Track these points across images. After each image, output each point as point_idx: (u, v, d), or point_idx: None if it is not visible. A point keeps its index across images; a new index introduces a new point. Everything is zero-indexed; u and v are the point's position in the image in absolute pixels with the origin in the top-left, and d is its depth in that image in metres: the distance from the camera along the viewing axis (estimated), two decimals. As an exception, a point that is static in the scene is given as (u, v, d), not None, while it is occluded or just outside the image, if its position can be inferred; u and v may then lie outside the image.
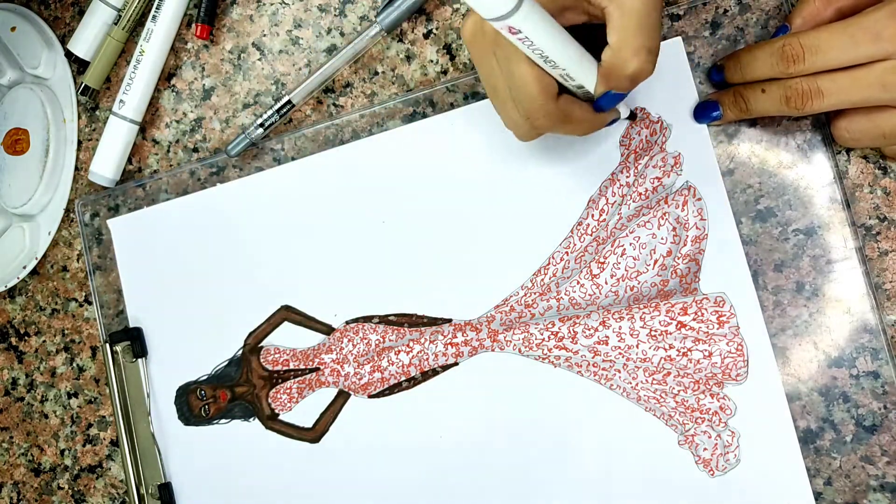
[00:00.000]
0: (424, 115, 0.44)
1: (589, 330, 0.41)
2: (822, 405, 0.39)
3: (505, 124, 0.37)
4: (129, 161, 0.49)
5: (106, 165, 0.47)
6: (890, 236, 0.39)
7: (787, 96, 0.35)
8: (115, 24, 0.47)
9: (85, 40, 0.48)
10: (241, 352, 0.46)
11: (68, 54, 0.49)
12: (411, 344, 0.44)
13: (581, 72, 0.32)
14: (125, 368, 0.47)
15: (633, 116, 0.41)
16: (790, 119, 0.39)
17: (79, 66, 0.49)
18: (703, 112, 0.40)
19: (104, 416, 0.49)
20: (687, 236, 0.40)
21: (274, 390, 0.45)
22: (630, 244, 0.41)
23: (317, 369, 0.45)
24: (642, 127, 0.41)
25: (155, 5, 0.46)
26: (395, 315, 0.44)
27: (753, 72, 0.37)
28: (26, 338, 0.51)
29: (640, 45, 0.32)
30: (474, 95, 0.43)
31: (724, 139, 0.40)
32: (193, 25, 0.47)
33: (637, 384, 0.41)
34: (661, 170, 0.41)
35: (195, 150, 0.48)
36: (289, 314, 0.45)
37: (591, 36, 0.33)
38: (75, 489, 0.50)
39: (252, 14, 0.47)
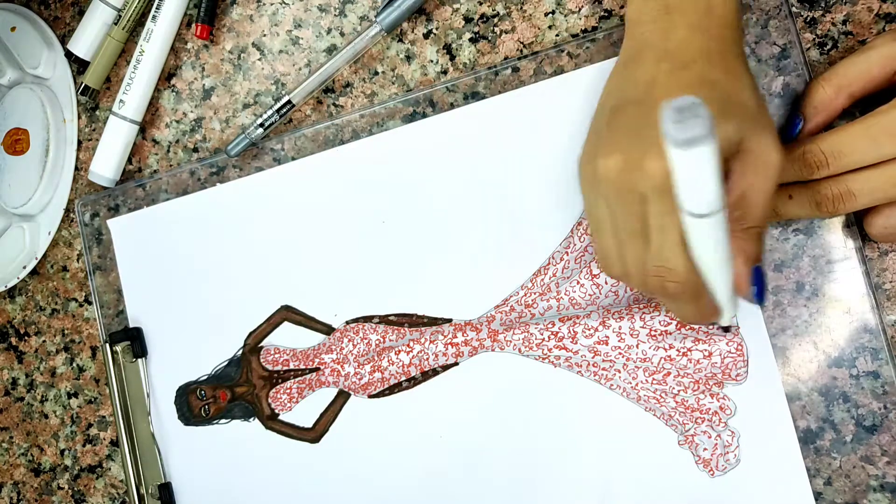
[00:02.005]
0: (424, 115, 0.44)
1: (589, 330, 0.41)
2: (822, 405, 0.39)
3: (606, 262, 0.35)
4: (129, 161, 0.49)
5: (106, 165, 0.47)
6: (890, 236, 0.39)
7: (817, 202, 0.35)
8: (115, 24, 0.47)
9: (85, 40, 0.48)
10: (241, 352, 0.46)
11: (68, 54, 0.49)
12: (411, 344, 0.44)
13: (720, 286, 0.32)
14: (125, 368, 0.47)
15: (728, 329, 0.40)
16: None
17: (79, 66, 0.49)
18: None
19: (104, 416, 0.49)
20: (687, 236, 0.40)
21: (274, 390, 0.45)
22: (630, 244, 0.41)
23: (317, 369, 0.45)
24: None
25: (155, 5, 0.46)
26: (395, 315, 0.44)
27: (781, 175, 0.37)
28: (26, 338, 0.51)
29: (763, 217, 0.32)
30: (474, 95, 0.43)
31: (724, 139, 0.40)
32: (193, 25, 0.47)
33: (637, 384, 0.41)
34: (661, 170, 0.41)
35: (195, 150, 0.48)
36: (289, 314, 0.45)
37: None
38: (75, 489, 0.50)
39: (252, 14, 0.47)
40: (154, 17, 0.46)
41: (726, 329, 0.40)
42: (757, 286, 0.33)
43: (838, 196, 0.34)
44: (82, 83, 0.48)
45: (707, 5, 0.33)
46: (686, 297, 0.33)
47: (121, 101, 0.47)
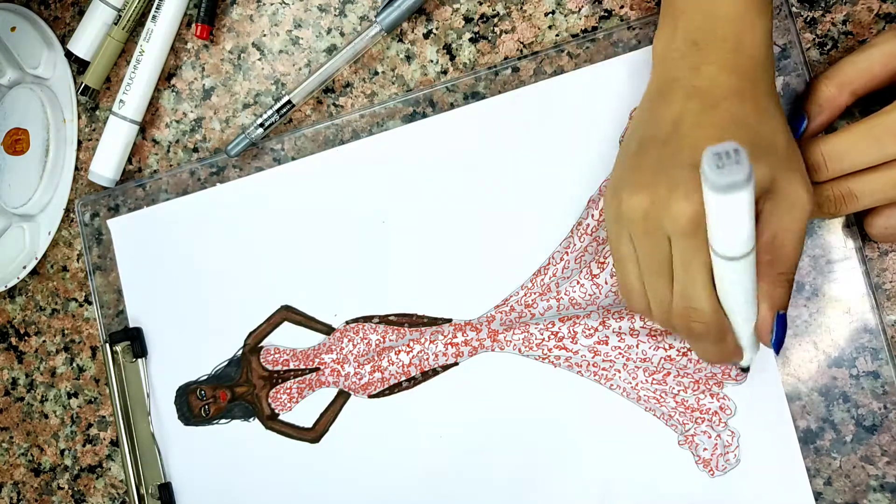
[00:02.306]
0: (424, 115, 0.44)
1: (589, 330, 0.41)
2: (822, 405, 0.39)
3: (630, 297, 0.35)
4: (129, 161, 0.49)
5: (106, 165, 0.47)
6: (890, 236, 0.39)
7: (819, 203, 0.35)
8: (115, 24, 0.47)
9: (85, 40, 0.48)
10: (241, 352, 0.46)
11: (68, 54, 0.49)
12: (411, 344, 0.44)
13: (744, 329, 0.32)
14: (125, 368, 0.47)
15: (746, 370, 0.40)
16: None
17: (79, 66, 0.49)
18: None
19: (104, 416, 0.49)
20: (687, 236, 0.40)
21: (274, 390, 0.45)
22: (630, 244, 0.41)
23: (317, 369, 0.45)
24: (642, 127, 0.41)
25: (155, 5, 0.46)
26: (395, 315, 0.44)
27: None
28: (26, 338, 0.51)
29: (794, 263, 0.32)
30: (474, 95, 0.43)
31: (724, 139, 0.40)
32: (193, 25, 0.47)
33: (637, 384, 0.41)
34: (661, 170, 0.41)
35: (195, 150, 0.48)
36: (289, 314, 0.45)
37: None
38: (75, 489, 0.50)
39: (252, 14, 0.47)
40: (154, 17, 0.46)
41: (745, 370, 0.40)
42: (777, 334, 0.33)
43: (840, 197, 0.34)
44: (82, 83, 0.48)
45: (736, 43, 0.33)
46: (711, 338, 0.33)
47: (121, 101, 0.47)
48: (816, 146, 0.34)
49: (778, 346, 0.33)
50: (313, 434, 0.45)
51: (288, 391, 0.45)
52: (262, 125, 0.45)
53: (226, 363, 0.46)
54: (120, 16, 0.47)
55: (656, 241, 0.32)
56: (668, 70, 0.35)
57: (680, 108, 0.33)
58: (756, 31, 0.33)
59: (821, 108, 0.36)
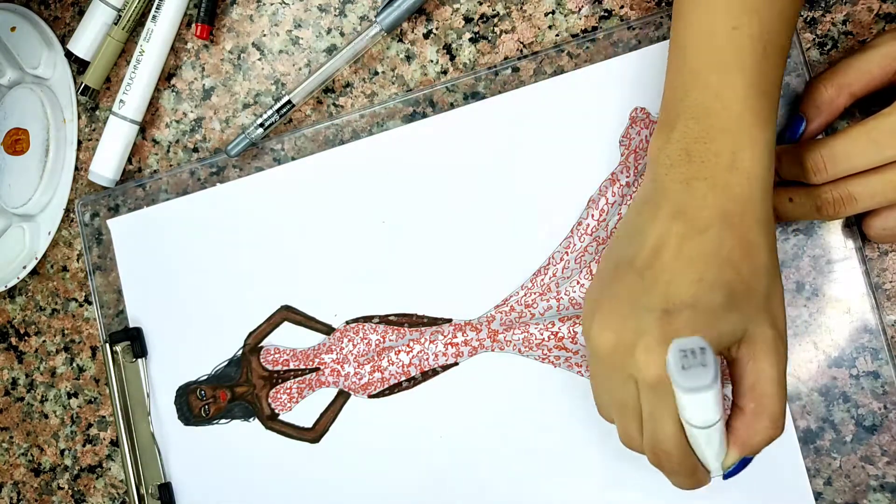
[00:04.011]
0: (424, 115, 0.44)
1: (589, 330, 0.41)
2: (822, 405, 0.39)
3: (600, 409, 0.35)
4: (129, 161, 0.49)
5: (106, 165, 0.47)
6: (890, 236, 0.39)
7: (818, 206, 0.34)
8: (115, 24, 0.47)
9: (85, 40, 0.48)
10: (241, 352, 0.46)
11: (68, 54, 0.49)
12: (411, 344, 0.44)
13: (711, 455, 0.32)
14: (125, 368, 0.47)
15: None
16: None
17: (79, 66, 0.49)
18: None
19: (104, 416, 0.49)
20: (687, 236, 0.40)
21: (274, 390, 0.45)
22: (630, 244, 0.41)
23: (317, 369, 0.45)
24: (642, 127, 0.41)
25: (155, 5, 0.46)
26: (395, 315, 0.44)
27: (783, 174, 0.36)
28: (26, 338, 0.51)
29: (779, 411, 0.30)
30: (474, 95, 0.43)
31: (724, 139, 0.40)
32: (193, 25, 0.47)
33: (637, 384, 0.41)
34: (661, 170, 0.41)
35: (195, 150, 0.48)
36: (289, 314, 0.45)
37: None
38: (75, 489, 0.50)
39: (252, 14, 0.47)
40: (154, 17, 0.46)
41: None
42: (735, 468, 0.33)
43: (839, 200, 0.34)
44: (82, 83, 0.48)
45: (731, 160, 0.31)
46: (683, 474, 0.32)
47: (121, 101, 0.47)
48: (815, 148, 0.34)
49: (728, 476, 0.33)
50: (313, 434, 0.45)
51: (288, 391, 0.45)
52: (262, 125, 0.45)
53: (226, 363, 0.46)
54: (120, 16, 0.47)
55: (622, 380, 0.31)
56: (659, 176, 0.33)
57: (663, 229, 0.31)
58: (756, 148, 0.31)
59: (819, 109, 0.36)
